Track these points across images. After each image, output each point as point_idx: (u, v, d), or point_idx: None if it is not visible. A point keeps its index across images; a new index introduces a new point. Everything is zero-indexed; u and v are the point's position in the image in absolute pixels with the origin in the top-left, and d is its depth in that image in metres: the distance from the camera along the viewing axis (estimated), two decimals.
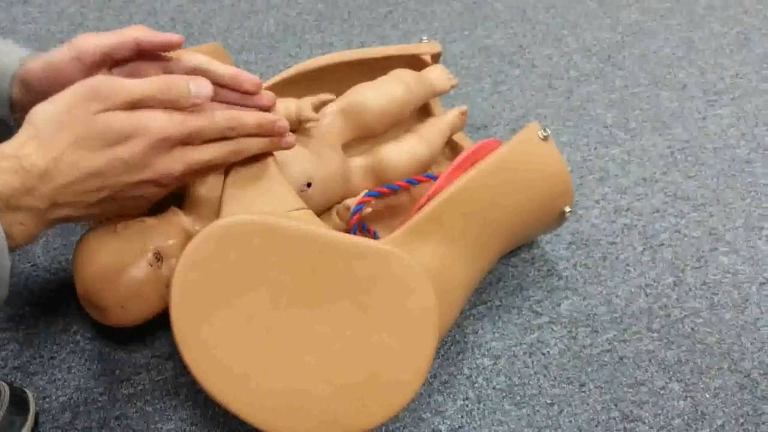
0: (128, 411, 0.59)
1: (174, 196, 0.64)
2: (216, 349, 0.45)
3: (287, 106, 0.60)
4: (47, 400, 0.59)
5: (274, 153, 0.57)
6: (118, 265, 0.53)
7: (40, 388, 0.60)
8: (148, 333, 0.64)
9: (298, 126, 0.60)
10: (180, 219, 0.58)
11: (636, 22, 1.08)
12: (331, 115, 0.64)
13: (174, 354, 0.63)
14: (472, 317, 0.67)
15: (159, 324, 0.61)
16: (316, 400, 0.46)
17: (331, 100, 0.60)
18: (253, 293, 0.45)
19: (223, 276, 0.45)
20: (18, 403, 0.55)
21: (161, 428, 0.58)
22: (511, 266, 0.72)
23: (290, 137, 0.54)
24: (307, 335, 0.46)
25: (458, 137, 0.77)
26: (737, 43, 1.05)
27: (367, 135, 0.66)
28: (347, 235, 0.49)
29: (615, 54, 1.02)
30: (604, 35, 1.05)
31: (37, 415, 0.57)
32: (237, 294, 0.45)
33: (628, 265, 0.73)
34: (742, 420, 0.60)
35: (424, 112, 0.78)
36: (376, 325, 0.48)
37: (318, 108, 0.60)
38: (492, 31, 1.05)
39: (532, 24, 1.07)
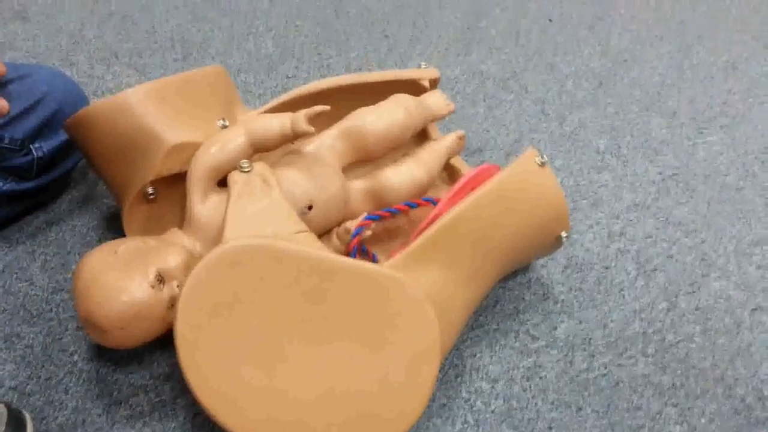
0: None
1: (172, 216, 0.65)
2: (219, 372, 0.45)
3: (282, 120, 0.60)
4: (45, 421, 0.58)
5: (277, 176, 0.57)
6: (120, 287, 0.53)
7: (38, 409, 0.59)
8: (145, 354, 0.63)
9: (294, 139, 0.61)
10: (181, 240, 0.58)
11: (627, 49, 1.11)
12: (332, 138, 0.65)
13: (172, 375, 0.62)
14: (469, 340, 0.68)
15: (156, 345, 0.61)
16: (317, 423, 0.46)
17: (324, 111, 0.60)
18: (257, 317, 0.45)
19: (228, 299, 0.45)
20: (16, 424, 0.54)
21: None
22: (508, 290, 0.73)
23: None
24: (309, 360, 0.47)
25: (455, 161, 0.78)
26: (725, 71, 1.07)
27: (366, 158, 0.67)
28: (352, 260, 0.49)
29: (606, 80, 1.04)
30: (595, 62, 1.07)
31: None
32: (241, 318, 0.45)
33: (622, 289, 0.74)
34: None
35: (421, 135, 0.79)
36: (378, 351, 0.48)
37: (312, 119, 0.60)
38: (486, 57, 1.07)
39: (525, 50, 1.09)
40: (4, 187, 0.67)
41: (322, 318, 0.47)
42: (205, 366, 0.44)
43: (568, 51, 1.09)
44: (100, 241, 0.73)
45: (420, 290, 0.50)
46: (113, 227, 0.75)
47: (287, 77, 0.99)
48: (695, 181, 0.88)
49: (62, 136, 0.68)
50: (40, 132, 0.66)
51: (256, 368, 0.45)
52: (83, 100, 0.71)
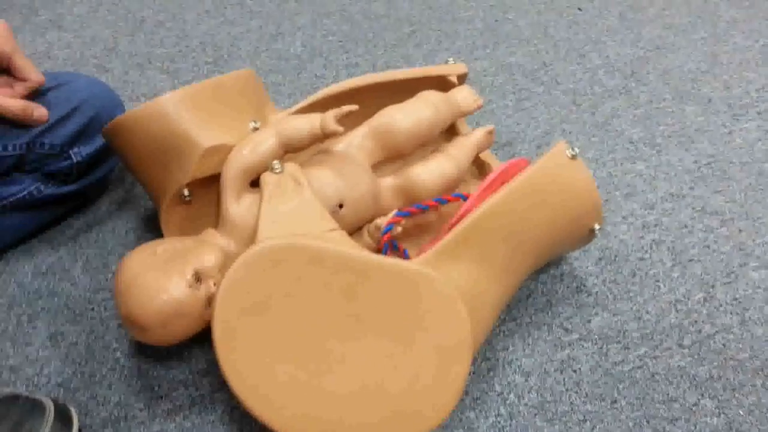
0: (168, 427, 0.60)
1: (208, 216, 0.66)
2: (256, 368, 0.46)
3: (311, 121, 0.61)
4: (88, 416, 0.61)
5: (308, 175, 0.58)
6: (159, 287, 0.55)
7: (82, 405, 0.61)
8: (185, 350, 0.65)
9: (324, 139, 0.62)
10: (216, 240, 0.60)
11: (659, 37, 1.09)
12: (361, 137, 0.65)
13: (211, 370, 0.64)
14: (502, 334, 0.68)
15: (195, 341, 0.63)
16: (350, 419, 0.47)
17: (353, 111, 0.61)
18: (293, 315, 0.46)
19: (264, 297, 0.46)
20: (62, 419, 0.56)
21: None
22: (540, 282, 0.72)
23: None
24: (343, 357, 0.47)
25: (485, 155, 0.78)
26: (762, 56, 1.05)
27: (395, 156, 0.67)
28: (386, 258, 0.50)
29: (639, 69, 1.02)
30: (627, 51, 1.06)
31: (80, 430, 0.58)
32: (277, 315, 0.46)
33: (657, 281, 0.73)
34: None
35: (450, 131, 0.79)
36: (410, 348, 0.49)
37: (341, 119, 0.61)
38: (515, 49, 1.06)
39: (555, 41, 1.08)
40: (46, 191, 0.69)
41: (356, 316, 0.47)
42: (242, 362, 0.45)
43: (598, 40, 1.08)
44: (138, 242, 0.75)
45: (452, 287, 0.50)
46: (151, 228, 0.77)
47: (316, 76, 1.00)
48: (732, 170, 0.86)
49: (100, 141, 0.71)
50: (78, 137, 0.69)
51: (291, 365, 0.46)
52: (119, 107, 0.73)
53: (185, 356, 0.65)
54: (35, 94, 0.66)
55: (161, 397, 0.62)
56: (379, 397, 0.47)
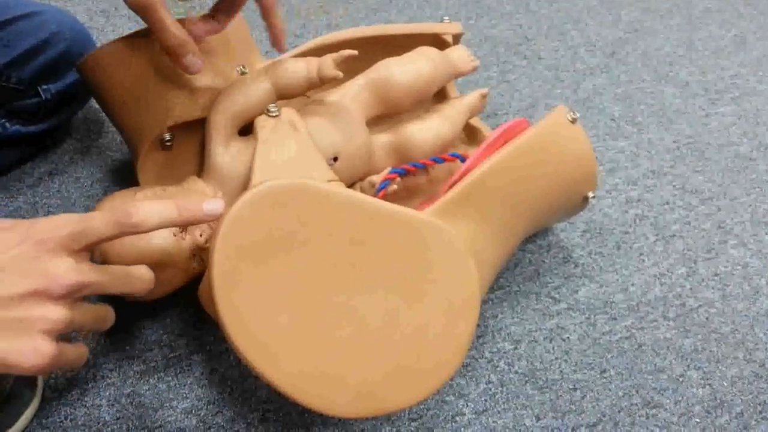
0: (140, 388, 0.56)
1: (187, 165, 0.62)
2: (255, 316, 0.42)
3: (308, 64, 0.58)
4: (53, 375, 0.56)
5: (306, 124, 0.55)
6: (141, 234, 0.50)
7: None
8: (159, 310, 0.61)
9: (320, 85, 0.58)
10: (202, 187, 0.56)
11: (637, 20, 1.09)
12: (358, 88, 0.62)
13: (187, 331, 0.60)
14: (491, 302, 0.66)
15: (170, 302, 0.59)
16: (353, 374, 0.45)
17: (353, 56, 0.58)
18: (296, 261, 0.43)
19: (267, 241, 0.42)
20: (26, 377, 0.51)
21: (176, 406, 0.55)
22: (528, 252, 0.71)
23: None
24: (347, 309, 0.45)
25: (475, 121, 0.76)
26: (734, 45, 1.07)
27: (391, 111, 0.64)
28: (396, 206, 0.47)
29: (618, 50, 1.02)
30: (606, 31, 1.06)
31: (44, 389, 0.53)
32: (281, 261, 0.43)
33: (641, 254, 0.73)
34: (759, 408, 0.61)
35: (439, 95, 0.77)
36: (417, 302, 0.46)
37: (340, 65, 0.58)
38: (497, 22, 1.04)
39: (537, 17, 1.07)
40: (10, 129, 0.63)
41: (363, 265, 0.45)
42: (242, 311, 0.41)
43: (579, 19, 1.07)
44: (105, 194, 0.70)
45: (461, 241, 0.48)
46: (119, 180, 0.71)
47: (294, 36, 0.96)
48: (709, 151, 0.87)
49: (68, 79, 0.65)
50: (47, 73, 0.63)
51: (294, 315, 0.43)
52: (91, 43, 0.67)
53: (159, 316, 0.61)
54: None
55: (133, 358, 0.58)
56: (384, 353, 0.45)
